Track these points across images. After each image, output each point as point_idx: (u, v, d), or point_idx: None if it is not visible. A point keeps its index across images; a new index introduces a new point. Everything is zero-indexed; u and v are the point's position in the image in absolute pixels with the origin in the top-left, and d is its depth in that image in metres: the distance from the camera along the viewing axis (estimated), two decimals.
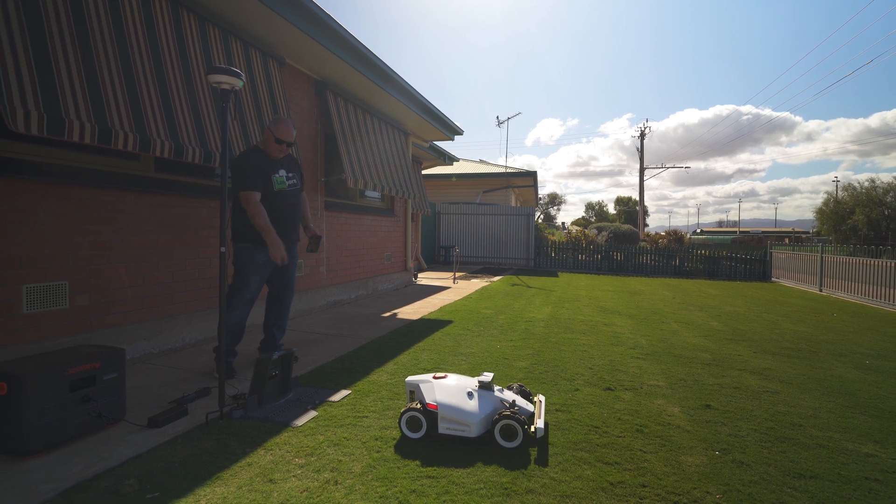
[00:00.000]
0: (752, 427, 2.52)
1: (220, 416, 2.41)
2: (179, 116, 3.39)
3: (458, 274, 10.83)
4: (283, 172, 3.28)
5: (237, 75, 2.40)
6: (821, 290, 9.85)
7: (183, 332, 3.79)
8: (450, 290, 8.14)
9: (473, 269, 12.76)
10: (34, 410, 1.93)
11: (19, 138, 2.76)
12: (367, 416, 2.48)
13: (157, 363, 3.34)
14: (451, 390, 2.29)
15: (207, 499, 1.71)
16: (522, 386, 2.58)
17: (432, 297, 7.21)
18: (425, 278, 9.99)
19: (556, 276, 11.61)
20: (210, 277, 4.05)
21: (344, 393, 2.84)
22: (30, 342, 2.78)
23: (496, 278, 10.39)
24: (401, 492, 1.79)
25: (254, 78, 4.33)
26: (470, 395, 2.27)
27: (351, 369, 3.33)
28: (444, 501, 1.74)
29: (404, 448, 2.14)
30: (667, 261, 13.42)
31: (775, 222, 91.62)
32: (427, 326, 4.91)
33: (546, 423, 2.40)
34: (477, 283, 9.22)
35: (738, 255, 13.03)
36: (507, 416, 2.14)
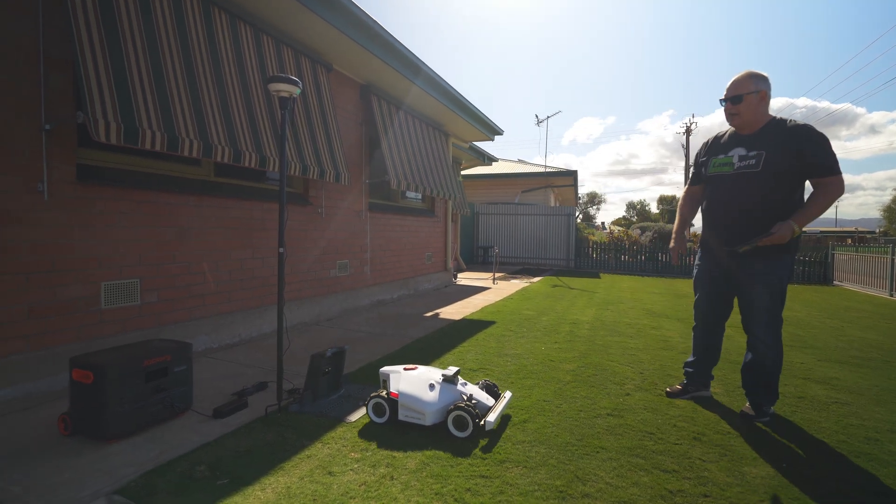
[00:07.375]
0: (821, 440, 2.38)
1: (278, 410, 2.53)
2: (237, 123, 3.56)
3: (497, 274, 10.78)
4: None
5: (296, 83, 2.50)
6: (891, 295, 9.12)
7: (239, 328, 3.98)
8: (490, 290, 8.11)
9: (512, 269, 12.67)
10: (116, 398, 2.09)
11: (97, 147, 2.99)
12: None
13: (217, 357, 3.53)
14: (413, 381, 2.42)
15: (273, 488, 1.80)
16: (489, 381, 2.68)
17: (473, 297, 7.21)
18: (465, 278, 10.01)
19: (598, 277, 11.34)
20: (262, 277, 4.23)
21: None
22: (107, 335, 3.00)
23: (536, 279, 10.27)
24: (455, 489, 1.81)
25: (304, 84, 4.49)
26: (431, 386, 2.39)
27: None
28: (499, 501, 1.74)
29: (457, 447, 2.16)
30: None
31: (835, 221, 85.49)
32: (470, 327, 4.92)
33: (506, 417, 2.51)
34: (517, 284, 9.15)
35: (796, 256, 12.27)
36: (460, 408, 2.25)
